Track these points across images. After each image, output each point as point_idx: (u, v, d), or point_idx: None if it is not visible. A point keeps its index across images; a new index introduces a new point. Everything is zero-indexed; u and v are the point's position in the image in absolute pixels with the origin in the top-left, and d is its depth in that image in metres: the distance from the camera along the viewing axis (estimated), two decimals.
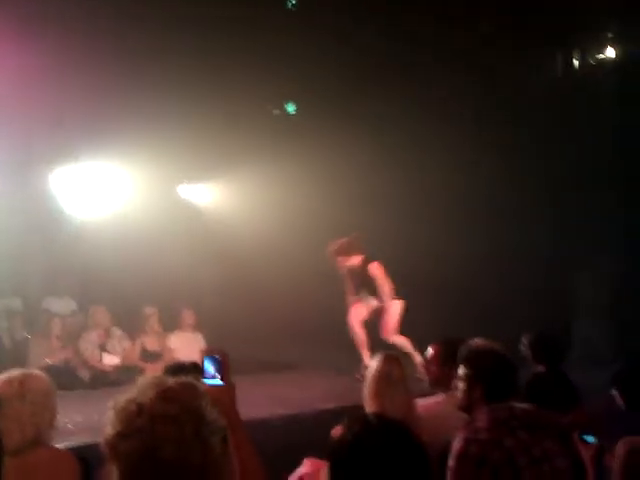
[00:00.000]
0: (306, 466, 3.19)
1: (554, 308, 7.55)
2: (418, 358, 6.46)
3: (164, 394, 1.63)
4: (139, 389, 1.65)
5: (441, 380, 3.64)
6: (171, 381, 1.69)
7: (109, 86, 7.23)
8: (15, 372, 2.61)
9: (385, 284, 6.57)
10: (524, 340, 4.90)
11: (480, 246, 8.09)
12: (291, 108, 8.93)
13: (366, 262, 6.65)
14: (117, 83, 7.20)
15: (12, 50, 6.04)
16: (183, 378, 1.77)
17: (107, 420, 1.61)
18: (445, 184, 8.37)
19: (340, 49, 7.38)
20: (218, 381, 2.03)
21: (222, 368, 2.19)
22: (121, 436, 1.58)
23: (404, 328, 6.96)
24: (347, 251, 6.62)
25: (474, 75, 7.82)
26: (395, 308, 6.80)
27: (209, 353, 2.21)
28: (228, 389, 2.09)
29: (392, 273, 6.82)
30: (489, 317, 7.20)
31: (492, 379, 2.83)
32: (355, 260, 6.70)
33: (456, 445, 2.61)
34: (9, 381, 2.56)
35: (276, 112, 9.01)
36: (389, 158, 8.57)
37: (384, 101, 8.06)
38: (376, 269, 6.60)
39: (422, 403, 3.56)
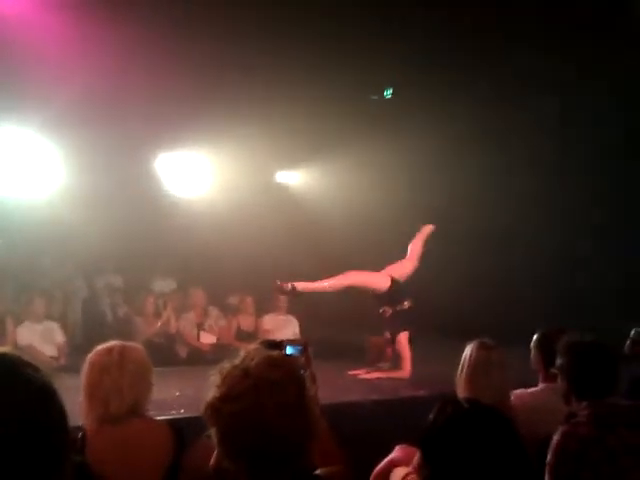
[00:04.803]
0: (397, 452, 3.16)
1: None
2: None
3: (269, 361, 1.71)
4: (244, 357, 1.73)
5: (540, 370, 3.54)
6: (274, 352, 1.78)
7: (212, 78, 7.36)
8: (114, 342, 2.68)
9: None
10: (633, 335, 4.68)
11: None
12: (388, 92, 8.80)
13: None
14: (218, 74, 7.32)
15: (110, 44, 6.24)
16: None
17: (211, 384, 1.68)
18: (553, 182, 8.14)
19: (440, 35, 7.18)
20: None
21: (304, 357, 2.23)
22: (226, 399, 1.65)
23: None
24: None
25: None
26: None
27: (292, 342, 2.25)
28: (310, 377, 2.11)
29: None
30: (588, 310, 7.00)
31: (591, 372, 2.72)
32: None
33: (555, 439, 2.52)
34: (109, 350, 2.63)
35: (374, 98, 8.89)
36: (484, 144, 8.39)
37: (482, 88, 7.85)
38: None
39: (518, 393, 3.47)
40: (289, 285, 6.45)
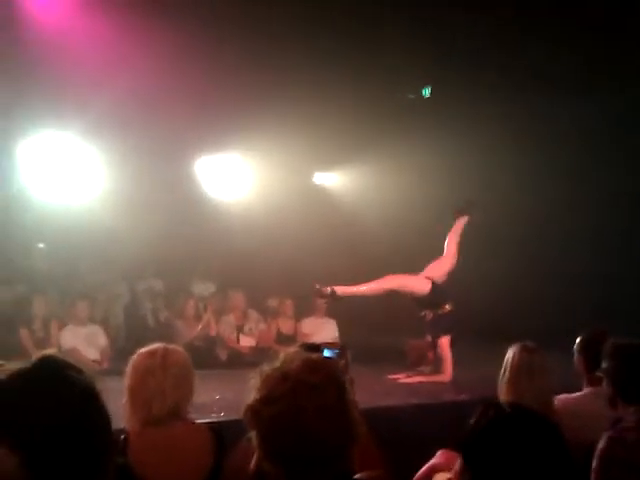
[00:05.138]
0: (439, 457, 3.12)
1: None
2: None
3: (308, 364, 1.70)
4: (284, 359, 1.73)
5: (584, 374, 3.47)
6: (314, 355, 1.78)
7: (250, 81, 7.39)
8: (157, 345, 2.71)
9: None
10: None
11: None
12: (426, 92, 8.75)
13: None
14: (257, 77, 7.35)
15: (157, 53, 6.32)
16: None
17: (251, 387, 1.69)
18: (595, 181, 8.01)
19: (482, 38, 7.11)
20: None
21: (343, 361, 2.21)
22: (265, 401, 1.66)
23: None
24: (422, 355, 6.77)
25: None
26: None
27: (330, 346, 2.24)
28: (349, 382, 2.10)
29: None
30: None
31: (639, 377, 2.65)
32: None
33: (601, 445, 2.46)
34: (152, 353, 2.66)
35: (411, 96, 8.85)
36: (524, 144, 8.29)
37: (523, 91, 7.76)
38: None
39: (561, 398, 3.41)
40: (328, 289, 6.42)
